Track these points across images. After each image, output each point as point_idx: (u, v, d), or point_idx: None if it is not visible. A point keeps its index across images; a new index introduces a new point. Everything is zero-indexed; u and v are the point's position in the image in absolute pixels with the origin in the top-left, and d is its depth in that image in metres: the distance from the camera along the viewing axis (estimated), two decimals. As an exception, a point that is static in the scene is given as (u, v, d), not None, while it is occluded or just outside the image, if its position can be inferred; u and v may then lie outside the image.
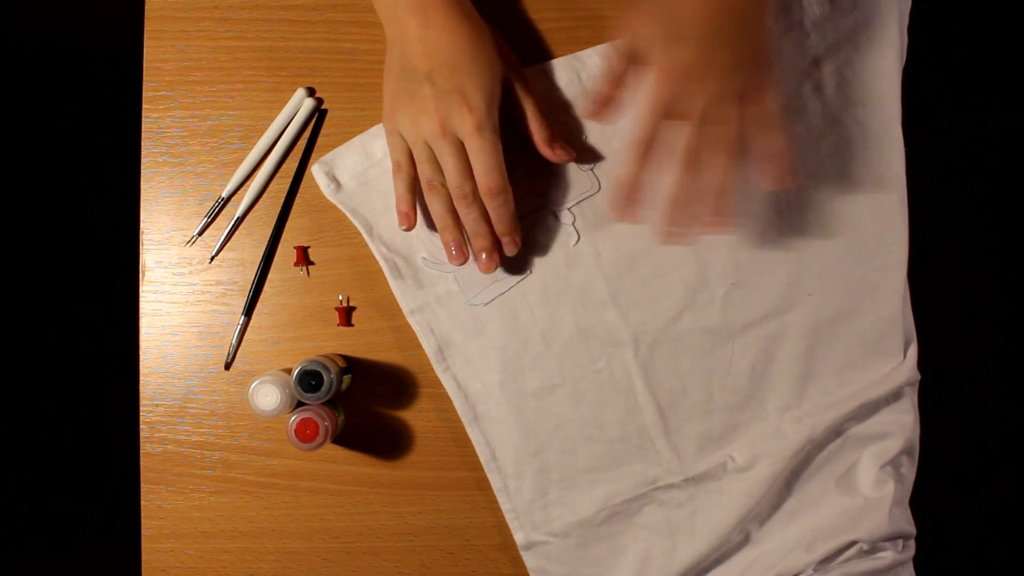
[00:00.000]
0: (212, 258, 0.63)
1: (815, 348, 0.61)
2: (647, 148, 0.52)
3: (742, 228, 0.61)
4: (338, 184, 0.61)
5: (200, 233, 0.63)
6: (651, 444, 0.61)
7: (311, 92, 0.63)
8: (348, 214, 0.61)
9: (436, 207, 0.57)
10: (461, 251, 0.57)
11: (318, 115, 0.64)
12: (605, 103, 0.54)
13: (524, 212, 0.61)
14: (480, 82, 0.54)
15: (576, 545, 0.61)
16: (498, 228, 0.57)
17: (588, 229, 0.61)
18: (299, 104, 0.63)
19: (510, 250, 0.58)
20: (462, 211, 0.56)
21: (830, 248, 0.61)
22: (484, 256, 0.57)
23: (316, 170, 0.62)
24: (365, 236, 0.61)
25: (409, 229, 0.58)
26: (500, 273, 0.61)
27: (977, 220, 1.35)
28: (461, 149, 0.55)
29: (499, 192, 0.55)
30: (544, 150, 0.58)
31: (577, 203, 0.61)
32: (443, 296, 0.61)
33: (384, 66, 0.58)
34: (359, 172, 0.61)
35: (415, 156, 0.56)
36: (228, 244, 0.64)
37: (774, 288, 0.61)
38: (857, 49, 0.62)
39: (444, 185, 0.56)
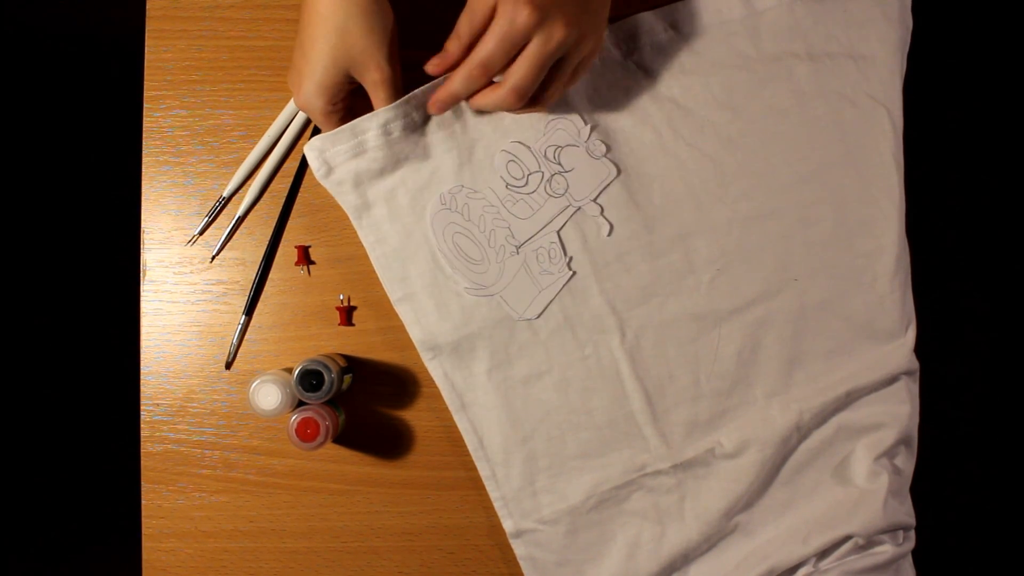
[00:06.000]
0: (213, 257, 0.64)
1: (802, 333, 0.62)
2: (481, 72, 0.52)
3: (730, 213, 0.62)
4: (329, 167, 0.60)
5: (201, 232, 0.63)
6: (639, 430, 0.62)
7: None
8: (337, 198, 0.61)
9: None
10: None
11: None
12: (447, 59, 0.54)
13: (552, 216, 0.61)
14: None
15: (565, 532, 0.61)
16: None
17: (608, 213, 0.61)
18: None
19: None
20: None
21: (815, 233, 0.62)
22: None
23: (308, 151, 0.60)
24: (354, 223, 0.61)
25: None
26: (545, 281, 0.61)
27: (976, 210, 1.35)
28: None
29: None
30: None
31: (600, 193, 0.61)
32: (430, 285, 0.61)
33: None
34: (351, 158, 0.60)
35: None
36: (229, 243, 0.64)
37: (760, 274, 0.62)
38: (849, 30, 0.62)
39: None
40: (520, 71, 0.52)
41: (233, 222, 0.63)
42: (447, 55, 0.54)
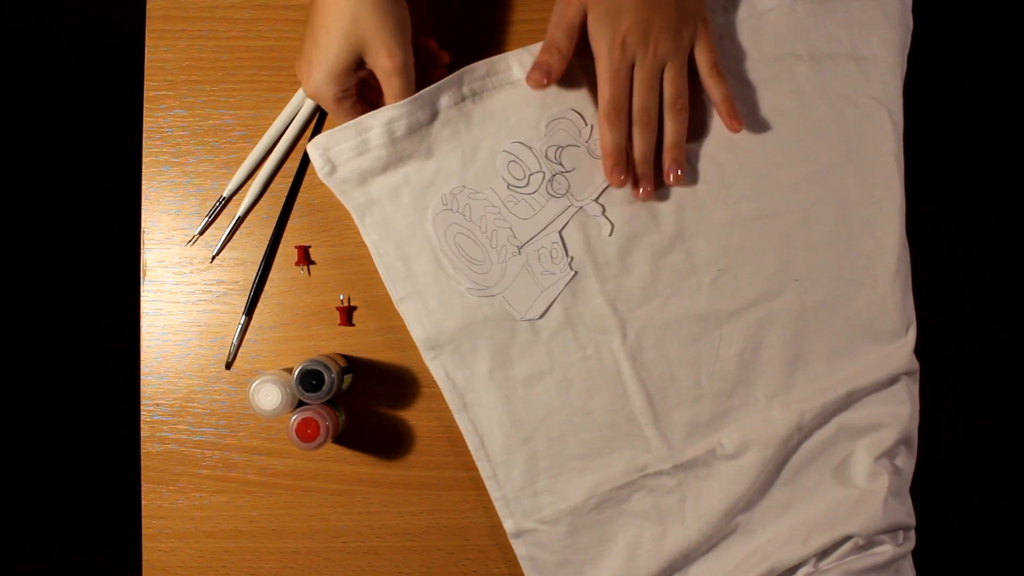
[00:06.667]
0: (213, 257, 0.63)
1: (803, 334, 0.62)
2: (616, 114, 0.58)
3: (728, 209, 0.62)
4: (333, 166, 0.60)
5: (201, 232, 0.63)
6: (640, 431, 0.62)
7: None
8: (340, 197, 0.61)
9: None
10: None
11: (319, 115, 0.64)
12: (547, 72, 0.58)
13: (553, 216, 0.61)
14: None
15: (566, 533, 0.61)
16: None
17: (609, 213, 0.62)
18: (300, 103, 0.63)
19: None
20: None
21: (817, 234, 0.62)
22: None
23: (311, 150, 0.60)
24: (357, 221, 0.61)
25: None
26: (547, 281, 0.61)
27: (976, 211, 1.35)
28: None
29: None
30: None
31: (602, 192, 0.61)
32: (432, 284, 0.61)
33: None
34: (354, 156, 0.60)
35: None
36: (229, 244, 0.64)
37: (761, 274, 0.62)
38: (850, 31, 0.62)
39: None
40: (636, 100, 0.58)
41: (233, 222, 0.63)
42: (551, 71, 0.58)
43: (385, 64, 0.55)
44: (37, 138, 1.36)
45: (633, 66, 0.57)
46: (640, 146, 0.59)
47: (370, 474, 0.64)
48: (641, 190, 0.60)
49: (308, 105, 0.63)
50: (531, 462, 0.61)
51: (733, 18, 0.62)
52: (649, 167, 0.60)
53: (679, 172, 0.60)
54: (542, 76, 0.58)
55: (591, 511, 0.61)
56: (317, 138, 0.60)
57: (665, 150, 0.60)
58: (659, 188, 0.61)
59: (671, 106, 0.59)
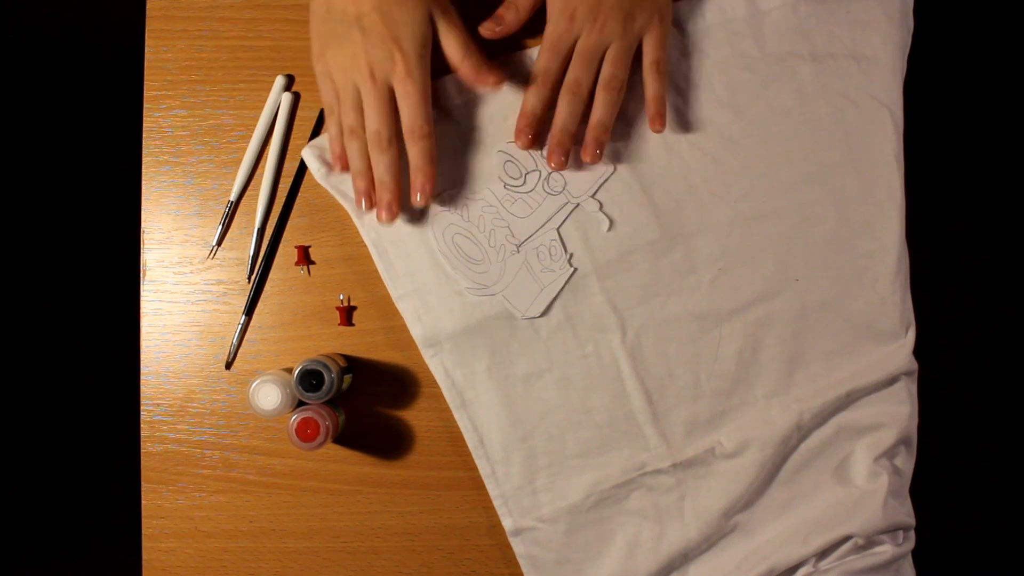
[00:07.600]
0: (249, 277, 0.63)
1: (803, 334, 0.62)
2: (542, 81, 0.58)
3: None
4: (329, 167, 0.61)
5: (219, 243, 0.63)
6: (639, 429, 0.62)
7: (289, 84, 0.63)
8: (338, 197, 0.61)
9: (353, 152, 0.57)
10: (368, 200, 0.58)
11: (318, 118, 0.63)
12: (498, 22, 0.58)
13: (551, 214, 0.61)
14: (410, 25, 0.54)
15: (565, 531, 0.61)
16: (414, 170, 0.56)
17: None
18: (278, 99, 0.63)
19: (416, 200, 0.57)
20: (374, 157, 0.56)
21: (817, 234, 0.62)
22: (384, 210, 0.57)
23: (307, 153, 0.61)
24: (355, 220, 0.61)
25: (343, 171, 0.59)
26: (547, 279, 0.61)
27: (975, 211, 1.35)
28: (389, 95, 0.55)
29: (423, 137, 0.56)
30: (470, 76, 0.57)
31: (598, 189, 0.61)
32: (432, 282, 0.61)
33: (309, 5, 0.57)
34: None
35: (340, 100, 0.56)
36: (228, 244, 0.64)
37: (761, 274, 0.62)
38: (852, 31, 0.62)
39: (364, 131, 0.56)
40: (570, 70, 0.57)
41: (255, 236, 0.63)
42: (502, 24, 0.58)
43: (451, 18, 0.56)
44: (37, 138, 1.36)
45: (577, 41, 0.57)
46: (562, 114, 0.58)
47: (370, 474, 0.64)
48: (553, 161, 0.59)
49: (285, 99, 0.63)
50: (530, 460, 0.61)
51: (735, 18, 0.62)
52: (566, 138, 0.58)
53: (598, 152, 0.58)
54: (494, 24, 0.58)
55: (590, 509, 0.62)
56: (312, 142, 0.60)
57: (589, 126, 0.58)
58: (574, 165, 0.60)
59: (605, 84, 0.57)
